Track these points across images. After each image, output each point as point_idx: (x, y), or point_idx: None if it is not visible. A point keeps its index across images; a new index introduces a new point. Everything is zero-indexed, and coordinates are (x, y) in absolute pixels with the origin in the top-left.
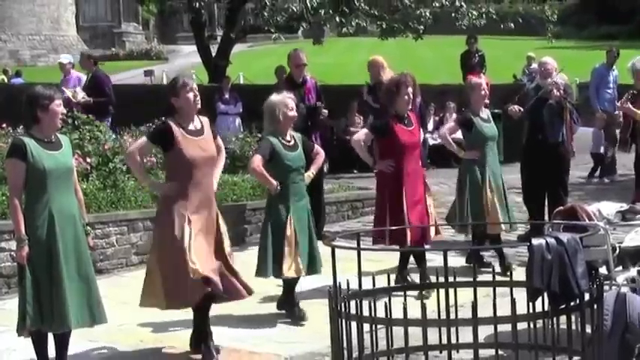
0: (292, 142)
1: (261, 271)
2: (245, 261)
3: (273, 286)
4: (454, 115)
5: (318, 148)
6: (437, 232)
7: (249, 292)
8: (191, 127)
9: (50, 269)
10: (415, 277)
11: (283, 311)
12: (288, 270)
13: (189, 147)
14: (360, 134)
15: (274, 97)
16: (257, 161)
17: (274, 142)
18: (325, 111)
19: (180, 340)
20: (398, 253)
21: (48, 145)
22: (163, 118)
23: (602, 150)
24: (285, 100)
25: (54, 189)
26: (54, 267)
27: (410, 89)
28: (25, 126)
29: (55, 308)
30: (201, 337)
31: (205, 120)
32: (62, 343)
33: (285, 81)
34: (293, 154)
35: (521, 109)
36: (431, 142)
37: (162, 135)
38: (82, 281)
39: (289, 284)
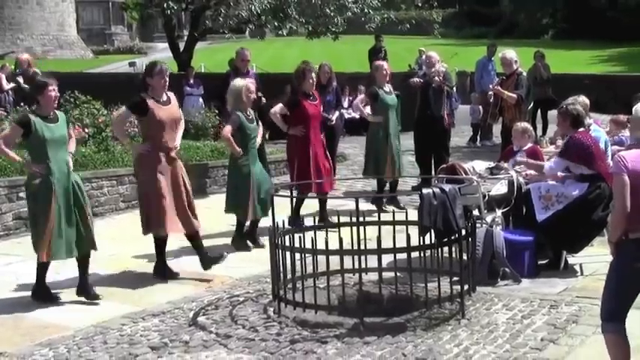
0: (251, 117)
1: (237, 210)
2: (207, 206)
3: (224, 225)
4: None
5: (260, 123)
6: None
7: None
8: (160, 99)
9: (48, 211)
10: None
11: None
12: (251, 215)
13: (159, 111)
14: (276, 108)
15: (239, 82)
16: (227, 130)
17: (241, 116)
18: (264, 99)
19: None
20: (319, 202)
21: (47, 119)
22: (140, 94)
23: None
24: (247, 85)
25: (51, 151)
26: (51, 209)
27: (313, 74)
28: (34, 105)
29: (52, 242)
30: (161, 265)
31: (172, 94)
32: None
33: (233, 71)
34: (252, 126)
35: (421, 80)
36: (346, 115)
37: (139, 105)
38: (74, 220)
39: (253, 224)
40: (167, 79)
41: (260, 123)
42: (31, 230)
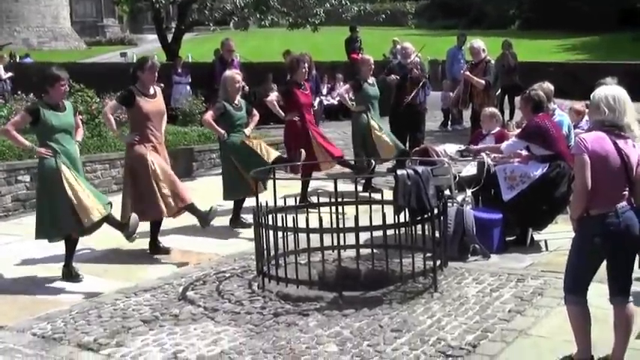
0: (239, 105)
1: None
2: (194, 188)
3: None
4: (341, 83)
5: (255, 111)
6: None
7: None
8: (147, 92)
9: (56, 192)
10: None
11: (238, 228)
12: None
13: (146, 105)
14: (272, 96)
15: (227, 73)
16: (208, 115)
17: (226, 105)
18: (246, 87)
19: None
20: (301, 182)
21: (55, 108)
22: (129, 87)
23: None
24: (233, 75)
25: (58, 138)
26: (59, 189)
27: (306, 65)
28: (41, 93)
29: (59, 219)
30: (155, 243)
31: (158, 89)
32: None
33: (219, 60)
34: (239, 113)
35: (398, 77)
36: (325, 102)
37: (127, 98)
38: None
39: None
40: (156, 75)
41: (255, 112)
42: (44, 212)
